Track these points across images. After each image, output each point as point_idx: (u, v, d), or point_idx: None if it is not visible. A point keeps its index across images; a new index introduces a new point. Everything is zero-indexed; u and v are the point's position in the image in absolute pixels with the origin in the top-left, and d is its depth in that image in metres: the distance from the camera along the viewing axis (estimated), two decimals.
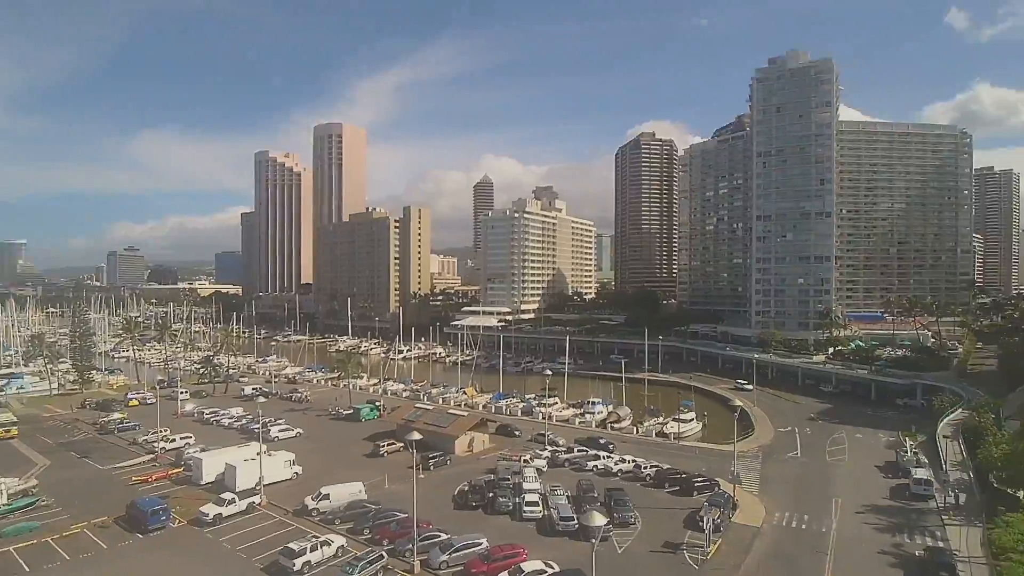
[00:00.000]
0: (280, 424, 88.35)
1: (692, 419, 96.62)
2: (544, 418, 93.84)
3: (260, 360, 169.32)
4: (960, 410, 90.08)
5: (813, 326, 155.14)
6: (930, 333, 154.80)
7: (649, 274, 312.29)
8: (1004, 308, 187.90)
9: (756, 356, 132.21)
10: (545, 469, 70.50)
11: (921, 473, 64.88)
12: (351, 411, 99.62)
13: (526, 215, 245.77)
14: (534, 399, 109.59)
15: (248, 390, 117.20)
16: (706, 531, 49.30)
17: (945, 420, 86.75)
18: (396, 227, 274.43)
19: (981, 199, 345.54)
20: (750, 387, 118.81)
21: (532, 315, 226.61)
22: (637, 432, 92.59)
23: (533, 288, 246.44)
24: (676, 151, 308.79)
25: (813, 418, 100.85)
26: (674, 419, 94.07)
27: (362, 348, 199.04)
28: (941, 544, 50.54)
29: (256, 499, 58.39)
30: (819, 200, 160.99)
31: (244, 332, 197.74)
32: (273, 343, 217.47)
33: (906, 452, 73.84)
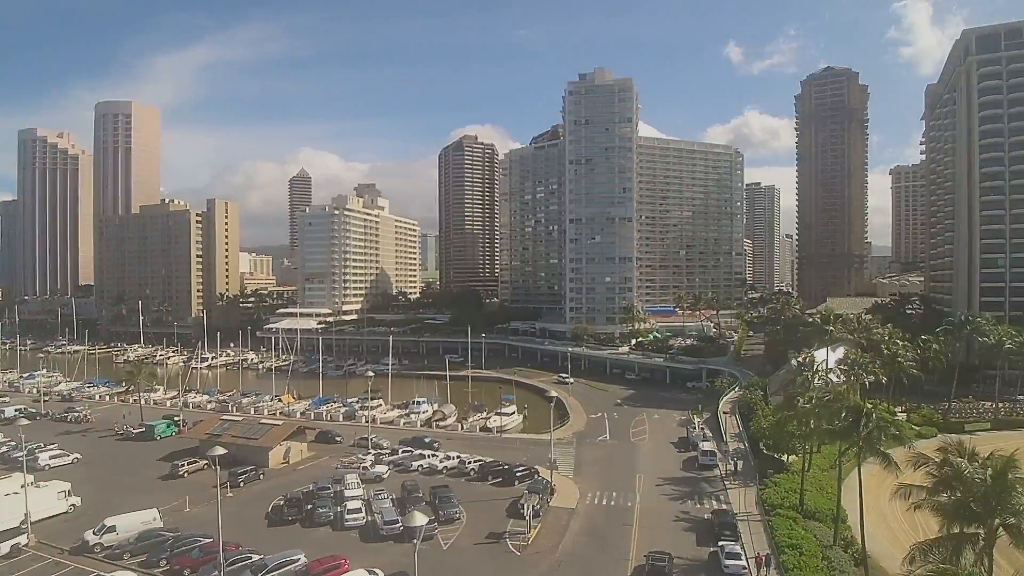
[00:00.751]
0: (52, 450, 75.03)
1: (513, 412, 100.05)
2: (367, 421, 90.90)
3: (25, 376, 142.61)
4: (736, 389, 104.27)
5: (618, 320, 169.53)
6: (712, 324, 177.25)
7: (473, 274, 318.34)
8: (768, 302, 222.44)
9: (570, 349, 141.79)
10: (386, 475, 68.18)
11: (706, 446, 73.84)
12: (143, 429, 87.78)
13: (347, 212, 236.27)
14: (357, 402, 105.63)
15: (8, 411, 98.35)
16: (527, 518, 51.08)
17: (724, 398, 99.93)
18: (199, 221, 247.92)
19: (750, 210, 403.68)
20: (571, 380, 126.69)
21: (355, 316, 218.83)
22: (462, 428, 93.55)
23: (355, 288, 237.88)
24: (497, 155, 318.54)
25: (620, 403, 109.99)
26: (496, 413, 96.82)
27: (157, 357, 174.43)
28: (725, 506, 57.77)
29: (22, 539, 48.90)
30: (622, 206, 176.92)
31: (4, 343, 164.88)
32: (42, 355, 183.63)
33: (695, 428, 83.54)
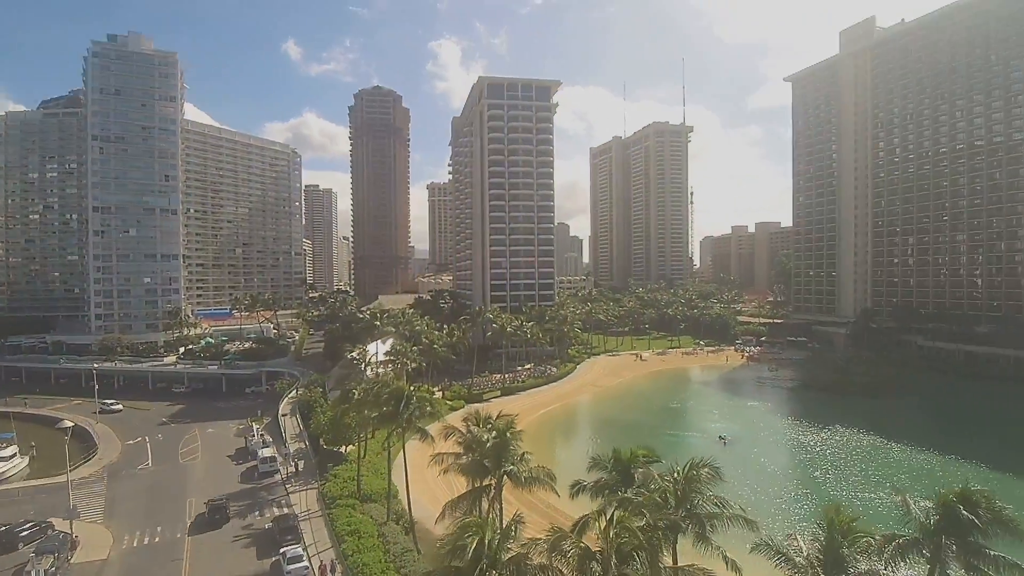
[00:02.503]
0: None
1: (14, 454, 76.82)
2: None
3: None
4: (296, 389, 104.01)
5: (163, 327, 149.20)
6: (272, 325, 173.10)
7: None
8: (327, 301, 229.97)
9: (97, 366, 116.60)
10: None
11: (266, 452, 71.13)
12: None
13: None
14: None
15: None
16: None
17: (285, 400, 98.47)
18: None
19: (310, 211, 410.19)
20: (120, 406, 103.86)
21: None
22: None
23: None
24: None
25: (165, 422, 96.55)
26: None
27: None
28: (287, 510, 56.58)
29: None
30: (165, 196, 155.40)
31: None
32: None
33: (254, 436, 79.67)
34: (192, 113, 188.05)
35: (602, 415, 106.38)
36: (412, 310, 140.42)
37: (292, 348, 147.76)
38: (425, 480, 60.19)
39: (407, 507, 51.88)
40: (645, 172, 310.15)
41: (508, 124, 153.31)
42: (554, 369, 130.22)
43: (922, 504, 27.89)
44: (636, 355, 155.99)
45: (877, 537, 26.95)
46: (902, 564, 26.76)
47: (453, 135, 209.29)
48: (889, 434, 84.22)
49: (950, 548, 26.14)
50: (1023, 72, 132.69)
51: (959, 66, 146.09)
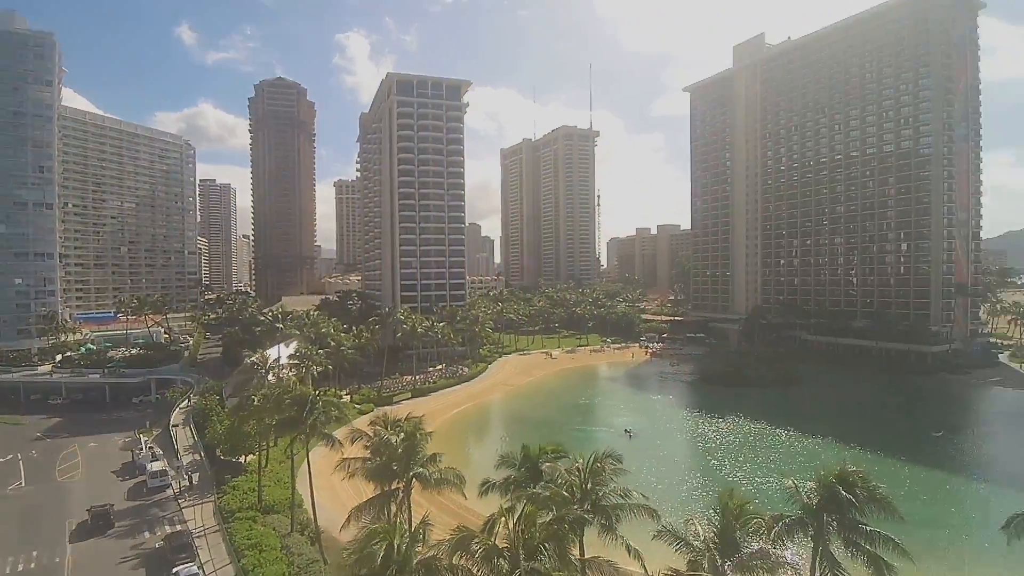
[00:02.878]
0: None
1: None
2: None
3: None
4: (190, 397, 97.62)
5: (37, 332, 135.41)
6: (163, 329, 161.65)
7: None
8: (225, 303, 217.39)
9: None
10: None
11: (156, 466, 66.21)
12: None
13: None
14: None
15: None
16: None
17: (177, 409, 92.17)
18: None
19: (206, 207, 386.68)
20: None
21: None
22: None
23: None
24: None
25: (40, 437, 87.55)
26: None
27: None
28: (180, 527, 52.95)
29: None
30: (39, 189, 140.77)
31: None
32: None
33: (142, 449, 74.02)
34: (72, 99, 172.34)
35: (513, 413, 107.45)
36: (318, 312, 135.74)
37: (186, 353, 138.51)
38: (332, 487, 58.38)
39: (313, 516, 50.06)
40: (554, 175, 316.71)
41: (418, 122, 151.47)
42: (466, 369, 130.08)
43: (808, 486, 30.20)
44: (546, 353, 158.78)
45: (766, 518, 28.95)
46: (789, 542, 28.90)
47: (361, 131, 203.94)
48: (778, 422, 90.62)
49: (831, 525, 28.36)
50: (894, 89, 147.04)
51: (836, 83, 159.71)
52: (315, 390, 54.62)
